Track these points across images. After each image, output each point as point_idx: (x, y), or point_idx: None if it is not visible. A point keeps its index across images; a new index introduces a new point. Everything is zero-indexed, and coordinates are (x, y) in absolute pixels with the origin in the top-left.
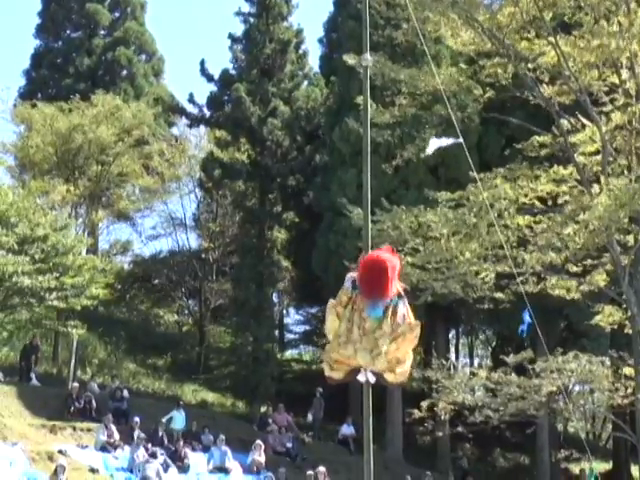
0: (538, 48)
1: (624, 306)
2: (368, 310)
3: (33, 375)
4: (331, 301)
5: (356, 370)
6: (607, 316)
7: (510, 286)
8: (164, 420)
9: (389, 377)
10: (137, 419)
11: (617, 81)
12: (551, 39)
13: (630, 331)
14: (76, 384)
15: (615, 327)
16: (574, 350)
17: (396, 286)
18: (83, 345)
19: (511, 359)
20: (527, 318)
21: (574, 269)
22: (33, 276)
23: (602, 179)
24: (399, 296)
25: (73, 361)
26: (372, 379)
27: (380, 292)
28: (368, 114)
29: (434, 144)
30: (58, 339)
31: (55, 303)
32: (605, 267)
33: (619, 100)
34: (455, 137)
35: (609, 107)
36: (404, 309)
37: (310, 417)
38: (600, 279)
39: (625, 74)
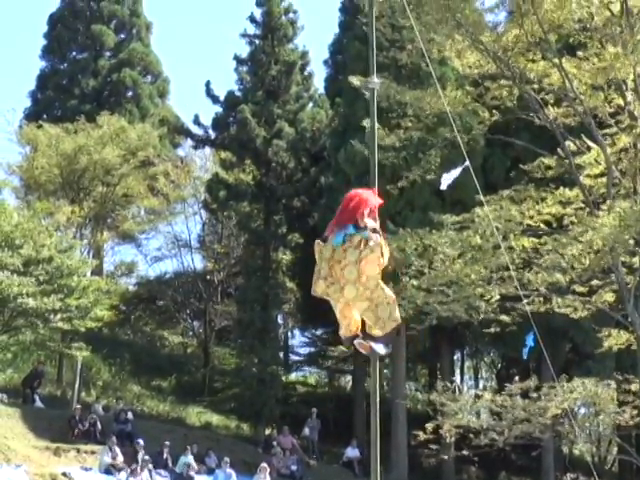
0: (543, 70)
1: (630, 328)
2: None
3: (37, 397)
4: (317, 241)
5: (353, 337)
6: (615, 339)
7: (515, 308)
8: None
9: (375, 332)
10: (141, 441)
11: (622, 103)
12: (556, 61)
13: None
14: (80, 406)
15: (621, 349)
16: (579, 372)
17: (368, 222)
18: (87, 367)
19: (516, 387)
20: (530, 341)
21: (580, 289)
22: (38, 297)
23: (608, 201)
24: (373, 230)
25: (77, 383)
26: (382, 351)
27: (346, 216)
28: (375, 135)
29: (447, 179)
30: (62, 361)
31: (59, 325)
32: (611, 287)
33: (624, 122)
34: (460, 160)
35: (614, 129)
36: (376, 242)
37: (307, 431)
38: (608, 296)
39: (630, 96)
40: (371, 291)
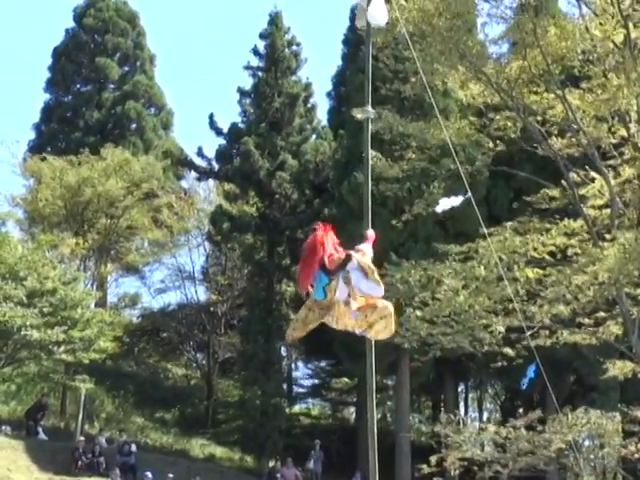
0: (547, 101)
1: (635, 359)
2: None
3: (40, 429)
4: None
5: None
6: (620, 369)
7: (520, 340)
8: None
9: (370, 335)
10: (149, 474)
11: (626, 134)
12: (559, 93)
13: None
14: (83, 438)
15: (625, 381)
16: (584, 404)
17: (328, 263)
18: (91, 399)
19: (520, 420)
20: (530, 372)
21: (586, 321)
22: (41, 329)
23: (612, 232)
24: (344, 262)
25: (81, 415)
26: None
27: (306, 275)
28: (369, 164)
29: (444, 204)
30: (66, 393)
31: (63, 356)
32: (617, 320)
33: (627, 153)
34: (463, 191)
35: (618, 160)
36: (344, 284)
37: (311, 463)
38: (615, 329)
39: (633, 128)
40: (364, 321)
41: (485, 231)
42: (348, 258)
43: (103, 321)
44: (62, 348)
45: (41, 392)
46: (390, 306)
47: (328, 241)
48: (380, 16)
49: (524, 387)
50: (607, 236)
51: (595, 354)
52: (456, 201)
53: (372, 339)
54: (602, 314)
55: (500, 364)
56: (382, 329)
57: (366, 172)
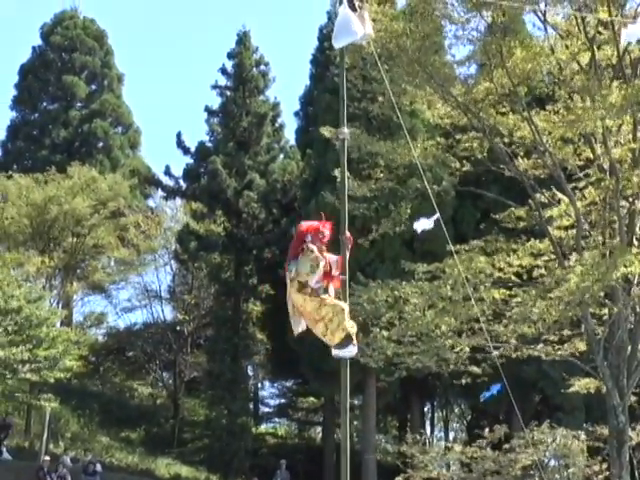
0: (513, 123)
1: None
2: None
3: (4, 449)
4: None
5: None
6: (583, 386)
7: (486, 359)
8: None
9: (328, 339)
10: None
11: (591, 156)
12: (526, 114)
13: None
14: (48, 458)
15: (590, 400)
16: (549, 423)
17: (311, 246)
18: (56, 418)
19: (487, 437)
20: (494, 389)
21: (551, 338)
22: (6, 348)
23: (577, 253)
24: (311, 252)
25: (45, 434)
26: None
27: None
28: (346, 185)
29: (422, 224)
30: (30, 412)
31: (28, 375)
32: (581, 337)
33: (593, 175)
34: (431, 211)
35: (583, 182)
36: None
37: None
38: (581, 345)
39: (599, 149)
40: (315, 311)
41: (452, 249)
42: (302, 250)
43: (68, 340)
44: (27, 367)
45: (5, 411)
46: (343, 304)
47: (308, 235)
48: (365, 28)
49: (482, 400)
50: (572, 257)
51: (561, 373)
52: (429, 223)
53: (332, 344)
54: (568, 332)
55: (464, 382)
56: (336, 327)
57: (343, 190)
